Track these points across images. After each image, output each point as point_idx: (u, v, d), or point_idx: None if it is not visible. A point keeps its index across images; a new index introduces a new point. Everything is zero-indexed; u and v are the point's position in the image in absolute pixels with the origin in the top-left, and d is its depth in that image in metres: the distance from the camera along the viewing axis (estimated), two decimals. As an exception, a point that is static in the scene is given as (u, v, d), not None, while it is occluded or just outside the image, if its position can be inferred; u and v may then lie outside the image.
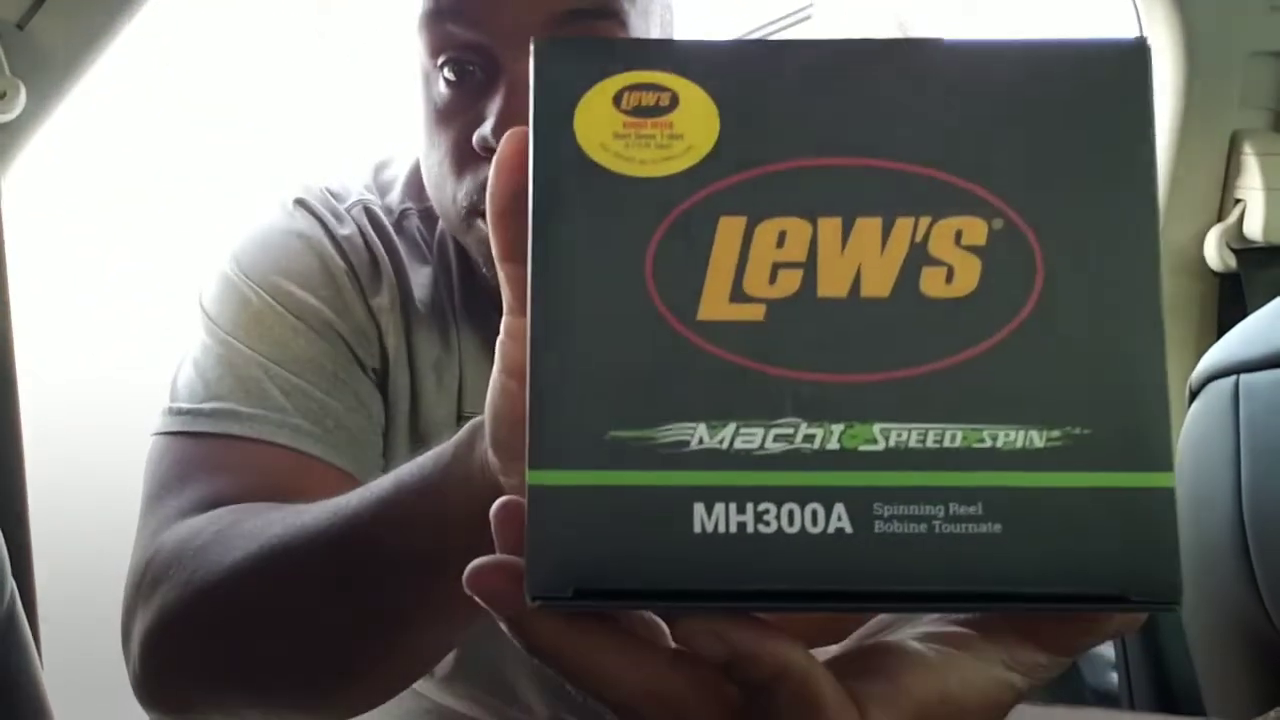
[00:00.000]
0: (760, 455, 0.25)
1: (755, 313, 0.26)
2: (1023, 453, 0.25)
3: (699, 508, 0.25)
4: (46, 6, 0.82)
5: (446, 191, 0.68)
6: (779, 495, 0.25)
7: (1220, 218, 1.15)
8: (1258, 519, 0.61)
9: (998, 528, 0.25)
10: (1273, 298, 0.66)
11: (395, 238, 0.75)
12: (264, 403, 0.66)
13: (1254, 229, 1.11)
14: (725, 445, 0.25)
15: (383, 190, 0.78)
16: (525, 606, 0.26)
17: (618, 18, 0.65)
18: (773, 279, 0.26)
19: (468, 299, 0.76)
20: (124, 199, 1.60)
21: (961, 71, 0.27)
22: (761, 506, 0.25)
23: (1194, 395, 0.69)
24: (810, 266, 0.26)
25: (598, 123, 0.26)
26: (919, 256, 0.26)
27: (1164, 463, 0.26)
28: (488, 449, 0.38)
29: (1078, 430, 0.25)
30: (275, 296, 0.69)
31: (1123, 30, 1.13)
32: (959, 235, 0.26)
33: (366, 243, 0.73)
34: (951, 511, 0.25)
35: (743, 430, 0.25)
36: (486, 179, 0.65)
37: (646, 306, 0.26)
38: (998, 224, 0.26)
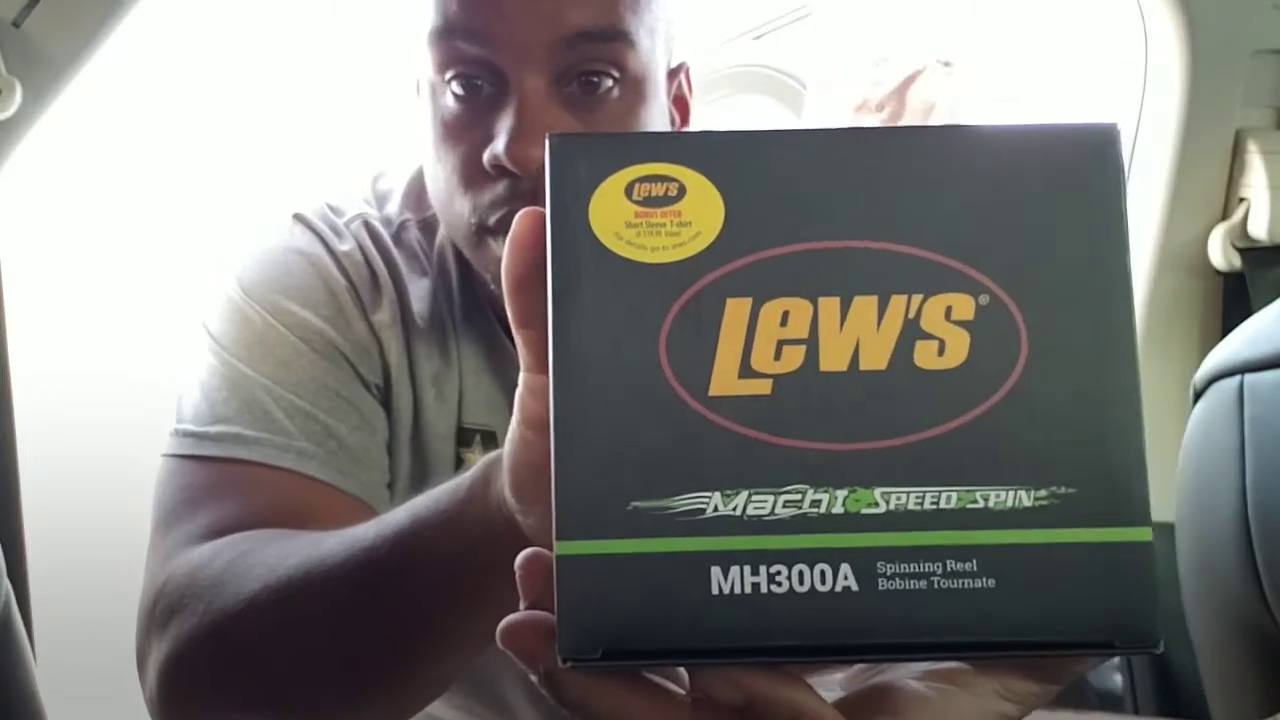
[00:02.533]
0: (771, 520, 0.27)
1: (763, 387, 0.28)
2: (1013, 512, 0.28)
3: (716, 571, 0.27)
4: (42, 4, 0.82)
5: (455, 207, 0.68)
6: (789, 557, 0.27)
7: (1224, 216, 1.14)
8: (1263, 521, 0.61)
9: (991, 582, 0.27)
10: (1277, 297, 0.65)
11: (394, 251, 0.75)
12: (269, 426, 0.66)
13: (1258, 228, 1.11)
14: (738, 512, 0.27)
15: (381, 201, 0.78)
16: (556, 663, 0.28)
17: (626, 38, 0.65)
18: (778, 355, 0.28)
19: (467, 310, 0.76)
20: (119, 198, 1.60)
21: (947, 157, 0.29)
22: (774, 568, 0.27)
23: (1198, 395, 0.68)
24: (812, 343, 0.28)
25: (611, 213, 0.28)
26: (913, 331, 0.28)
27: (1143, 518, 0.28)
28: (505, 489, 0.39)
29: (1063, 490, 0.28)
30: (277, 317, 0.69)
31: (1125, 30, 1.13)
32: (949, 311, 0.28)
33: (366, 258, 0.73)
34: (948, 568, 0.27)
35: (754, 497, 0.27)
36: (497, 196, 0.66)
37: (662, 384, 0.28)
38: (984, 300, 0.28)
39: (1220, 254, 1.13)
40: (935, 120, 1.21)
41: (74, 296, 1.57)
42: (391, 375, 0.72)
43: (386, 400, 0.73)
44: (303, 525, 0.59)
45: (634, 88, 0.66)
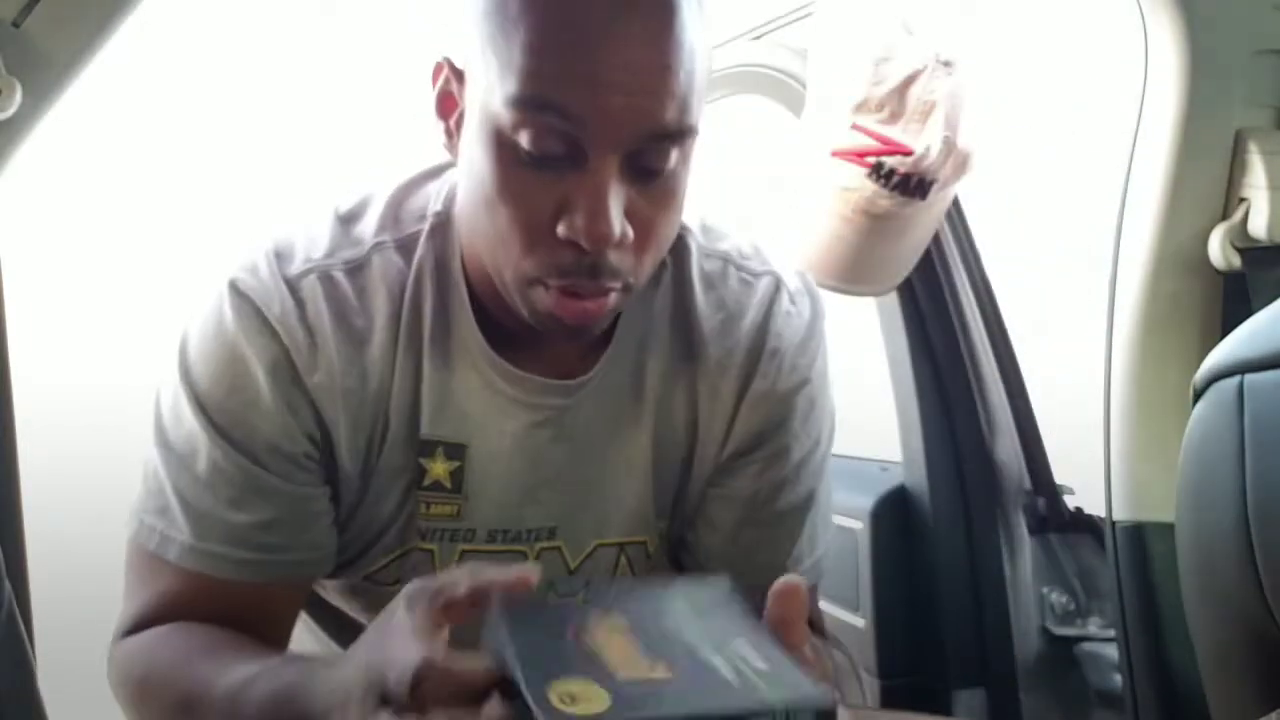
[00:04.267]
0: None
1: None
2: None
3: None
4: (42, 4, 0.82)
5: (512, 256, 0.69)
6: None
7: (1224, 216, 1.14)
8: (1263, 522, 0.61)
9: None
10: (1277, 297, 0.65)
11: (349, 294, 0.75)
12: (197, 527, 0.74)
13: (1258, 228, 1.11)
14: None
15: (346, 230, 0.78)
16: None
17: (696, 130, 0.68)
18: None
19: (438, 324, 0.76)
20: (120, 198, 1.60)
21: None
22: None
23: (1198, 395, 0.68)
24: None
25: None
26: None
27: None
28: None
29: None
30: (211, 414, 0.74)
31: (1125, 30, 1.13)
32: None
33: (304, 317, 0.73)
34: None
35: None
36: (564, 264, 0.68)
37: None
38: None
39: (1220, 254, 1.13)
40: (935, 120, 1.21)
41: (75, 296, 1.57)
42: (329, 430, 0.75)
43: (330, 452, 0.76)
44: (223, 617, 0.74)
45: (686, 160, 0.70)
